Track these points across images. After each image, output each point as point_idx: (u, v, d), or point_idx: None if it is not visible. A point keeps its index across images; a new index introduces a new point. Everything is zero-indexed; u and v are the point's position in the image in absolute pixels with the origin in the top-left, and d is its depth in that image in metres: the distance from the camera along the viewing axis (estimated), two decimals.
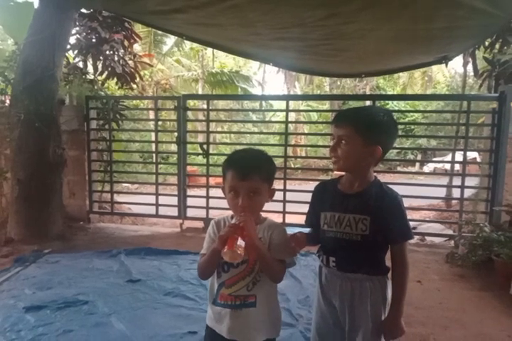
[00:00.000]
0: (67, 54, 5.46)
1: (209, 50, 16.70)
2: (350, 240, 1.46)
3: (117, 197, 6.00)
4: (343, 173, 1.56)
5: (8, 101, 4.87)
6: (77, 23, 5.68)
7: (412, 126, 17.69)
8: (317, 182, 1.69)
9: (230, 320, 1.37)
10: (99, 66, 6.07)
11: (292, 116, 17.04)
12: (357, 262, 1.46)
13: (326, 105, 19.52)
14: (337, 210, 1.50)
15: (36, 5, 4.47)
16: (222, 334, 1.39)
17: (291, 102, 5.22)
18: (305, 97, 18.66)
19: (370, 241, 1.44)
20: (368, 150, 1.44)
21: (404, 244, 1.48)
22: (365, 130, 1.43)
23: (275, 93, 25.82)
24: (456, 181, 4.94)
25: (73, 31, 5.37)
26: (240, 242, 1.25)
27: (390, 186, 1.54)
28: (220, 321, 1.40)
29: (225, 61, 21.78)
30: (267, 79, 24.91)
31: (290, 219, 4.81)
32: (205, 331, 1.50)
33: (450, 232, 4.92)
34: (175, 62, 17.25)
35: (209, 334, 1.47)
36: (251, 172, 1.34)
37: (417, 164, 17.89)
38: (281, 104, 5.26)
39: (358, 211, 1.45)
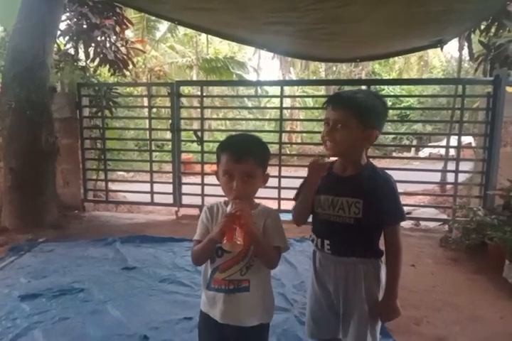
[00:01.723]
0: (57, 40, 5.38)
1: (203, 36, 16.50)
2: (344, 223, 1.45)
3: (112, 186, 5.98)
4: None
5: None
6: (67, 9, 5.57)
7: (408, 112, 17.68)
8: None
9: (223, 305, 1.38)
10: (91, 52, 5.99)
11: (288, 103, 16.94)
12: (350, 245, 1.46)
13: (321, 91, 19.38)
14: (330, 193, 1.49)
15: None
16: (216, 318, 1.40)
17: (286, 88, 5.16)
18: (300, 83, 18.52)
19: (363, 224, 1.44)
20: (365, 134, 1.43)
21: (397, 226, 1.48)
22: (363, 114, 1.41)
23: (270, 79, 25.60)
24: (451, 166, 4.94)
25: (63, 17, 5.27)
26: (238, 231, 1.26)
27: (386, 171, 1.53)
28: (214, 306, 1.41)
29: (219, 47, 21.53)
30: (262, 65, 24.60)
31: (285, 205, 4.81)
32: (199, 316, 1.51)
33: (444, 217, 4.96)
34: (168, 48, 17.05)
35: (203, 318, 1.48)
36: (246, 155, 1.34)
37: (413, 149, 17.93)
38: (276, 91, 5.20)
39: (351, 194, 1.45)
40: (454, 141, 5.01)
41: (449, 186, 6.49)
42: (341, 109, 1.44)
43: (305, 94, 18.27)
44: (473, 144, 7.95)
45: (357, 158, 1.49)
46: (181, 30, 15.97)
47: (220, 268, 1.40)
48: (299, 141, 17.60)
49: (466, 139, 9.03)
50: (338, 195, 1.47)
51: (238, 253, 1.36)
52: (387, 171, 1.51)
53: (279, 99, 5.10)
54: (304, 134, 18.72)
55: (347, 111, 1.42)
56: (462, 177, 4.81)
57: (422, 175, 4.69)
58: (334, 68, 19.82)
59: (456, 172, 4.52)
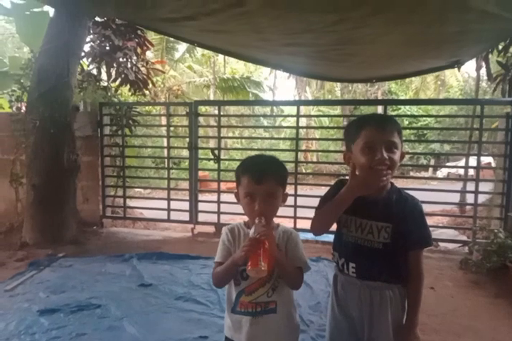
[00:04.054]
0: (81, 61, 5.56)
1: (220, 56, 16.82)
2: (372, 247, 1.42)
3: (130, 202, 6.05)
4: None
5: (24, 108, 4.96)
6: (91, 31, 5.77)
7: (425, 131, 17.55)
8: (328, 187, 1.57)
9: (250, 328, 1.37)
10: (113, 73, 6.15)
11: (303, 122, 17.05)
12: (377, 270, 1.42)
13: (337, 110, 19.48)
14: (359, 216, 1.45)
15: (51, 14, 4.57)
16: None
17: (302, 107, 5.23)
18: (316, 102, 18.51)
19: (391, 249, 1.41)
20: (402, 154, 1.43)
21: (422, 252, 1.45)
22: (401, 133, 1.42)
23: (286, 98, 25.83)
24: (470, 186, 4.87)
25: (87, 39, 5.46)
26: (263, 257, 1.24)
27: (412, 194, 1.50)
28: (240, 330, 1.39)
29: (236, 67, 21.91)
30: (278, 84, 25.01)
31: (301, 224, 4.79)
32: None
33: (464, 238, 4.86)
34: (187, 68, 17.41)
35: None
36: (266, 176, 1.35)
37: (430, 169, 17.70)
38: (292, 110, 5.26)
39: (381, 218, 1.41)
40: (472, 160, 4.95)
41: (468, 207, 6.38)
42: (393, 130, 1.39)
43: (321, 113, 18.30)
44: (493, 164, 7.84)
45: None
46: (199, 50, 16.32)
47: (246, 290, 1.38)
48: (315, 159, 17.60)
49: (486, 159, 8.91)
50: (366, 217, 1.43)
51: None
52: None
53: (294, 117, 5.14)
54: (320, 153, 18.77)
55: (397, 133, 1.39)
56: (482, 198, 4.73)
57: (440, 196, 4.63)
58: (350, 87, 19.91)
59: (476, 193, 4.44)
